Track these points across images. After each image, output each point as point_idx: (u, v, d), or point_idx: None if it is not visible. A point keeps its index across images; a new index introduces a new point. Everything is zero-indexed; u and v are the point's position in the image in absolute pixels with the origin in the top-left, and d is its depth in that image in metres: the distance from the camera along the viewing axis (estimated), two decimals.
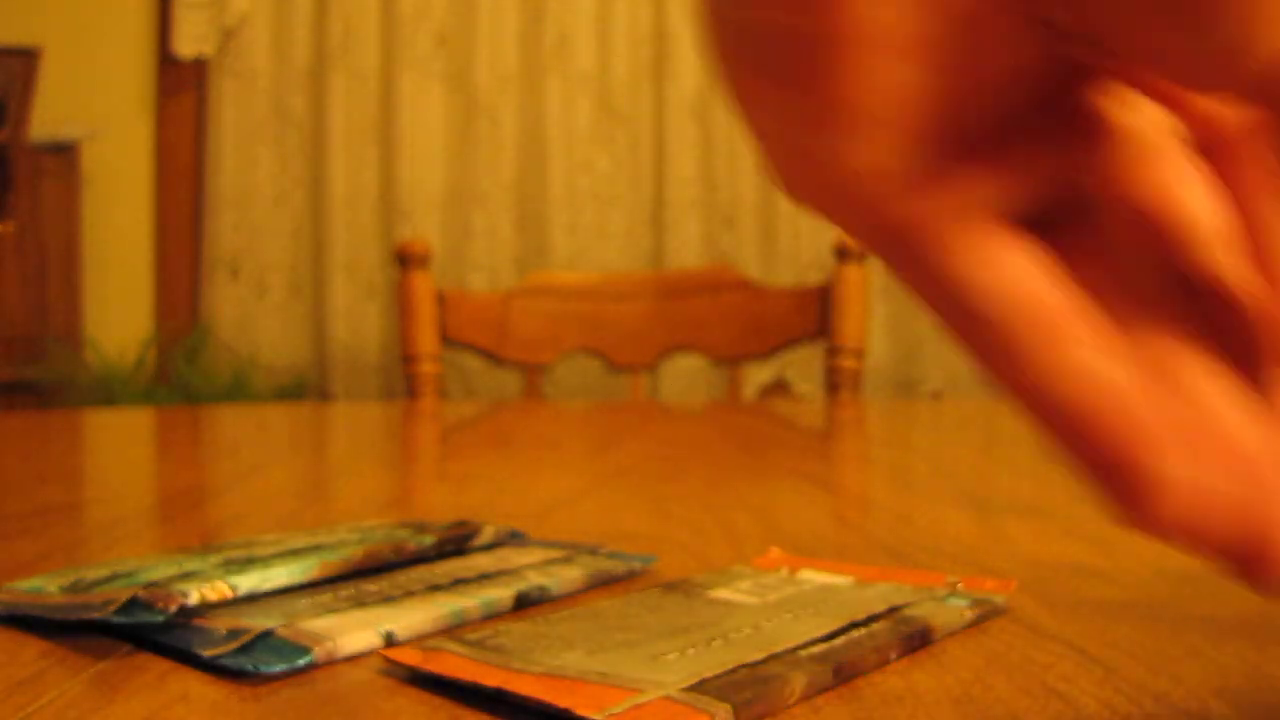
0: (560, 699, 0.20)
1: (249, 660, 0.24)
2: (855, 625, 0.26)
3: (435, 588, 0.30)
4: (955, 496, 0.51)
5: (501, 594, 0.29)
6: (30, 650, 0.26)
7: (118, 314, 2.28)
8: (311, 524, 0.44)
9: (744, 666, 0.22)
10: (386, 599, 0.28)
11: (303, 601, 0.28)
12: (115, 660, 0.25)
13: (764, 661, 0.23)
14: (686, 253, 2.23)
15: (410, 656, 0.23)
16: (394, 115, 2.19)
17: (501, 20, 2.23)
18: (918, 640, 0.26)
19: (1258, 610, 0.30)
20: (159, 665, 0.24)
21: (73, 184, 2.14)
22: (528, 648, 0.24)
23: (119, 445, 0.85)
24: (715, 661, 0.22)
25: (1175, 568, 0.35)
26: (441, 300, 1.38)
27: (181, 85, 2.25)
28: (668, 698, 0.20)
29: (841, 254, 1.35)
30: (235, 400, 2.09)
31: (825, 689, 0.23)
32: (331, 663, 0.25)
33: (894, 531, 0.42)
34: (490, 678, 0.22)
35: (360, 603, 0.28)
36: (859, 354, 1.33)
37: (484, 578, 0.31)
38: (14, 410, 1.80)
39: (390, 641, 0.26)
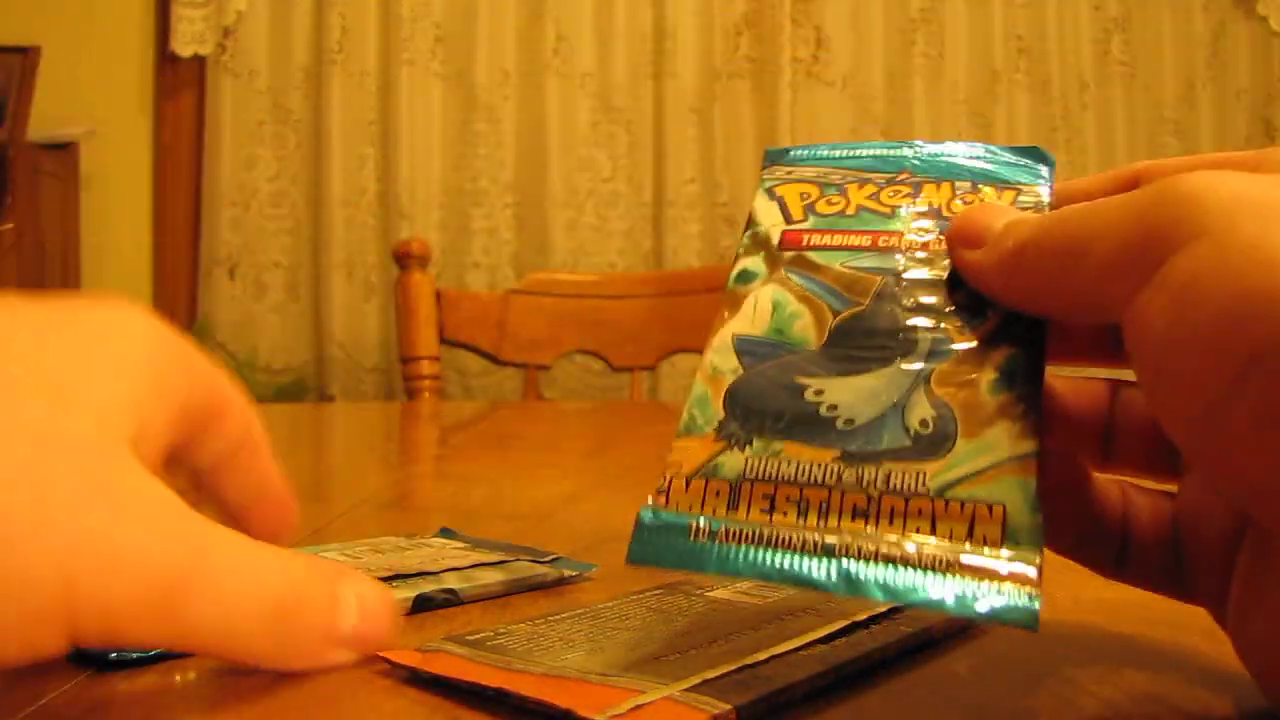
0: (561, 699, 0.20)
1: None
2: (856, 626, 0.26)
3: None
4: None
5: (401, 595, 0.29)
6: None
7: None
8: (311, 524, 0.44)
9: (746, 668, 0.22)
10: None
11: None
12: (115, 662, 0.25)
13: (765, 662, 0.23)
14: (686, 253, 2.23)
15: (410, 657, 0.23)
16: (393, 114, 2.19)
17: (501, 19, 2.23)
18: (918, 640, 0.26)
19: None
20: (160, 665, 0.24)
21: (71, 183, 2.13)
22: (528, 648, 0.24)
23: None
24: (717, 662, 0.22)
25: None
26: (440, 300, 1.38)
27: (180, 84, 2.25)
28: (670, 698, 0.20)
29: None
30: None
31: (827, 689, 0.23)
32: None
33: None
34: (490, 678, 0.22)
35: None
36: None
37: (395, 578, 0.30)
38: None
39: None
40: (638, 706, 0.20)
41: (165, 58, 2.23)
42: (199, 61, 2.22)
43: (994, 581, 0.20)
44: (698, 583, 0.30)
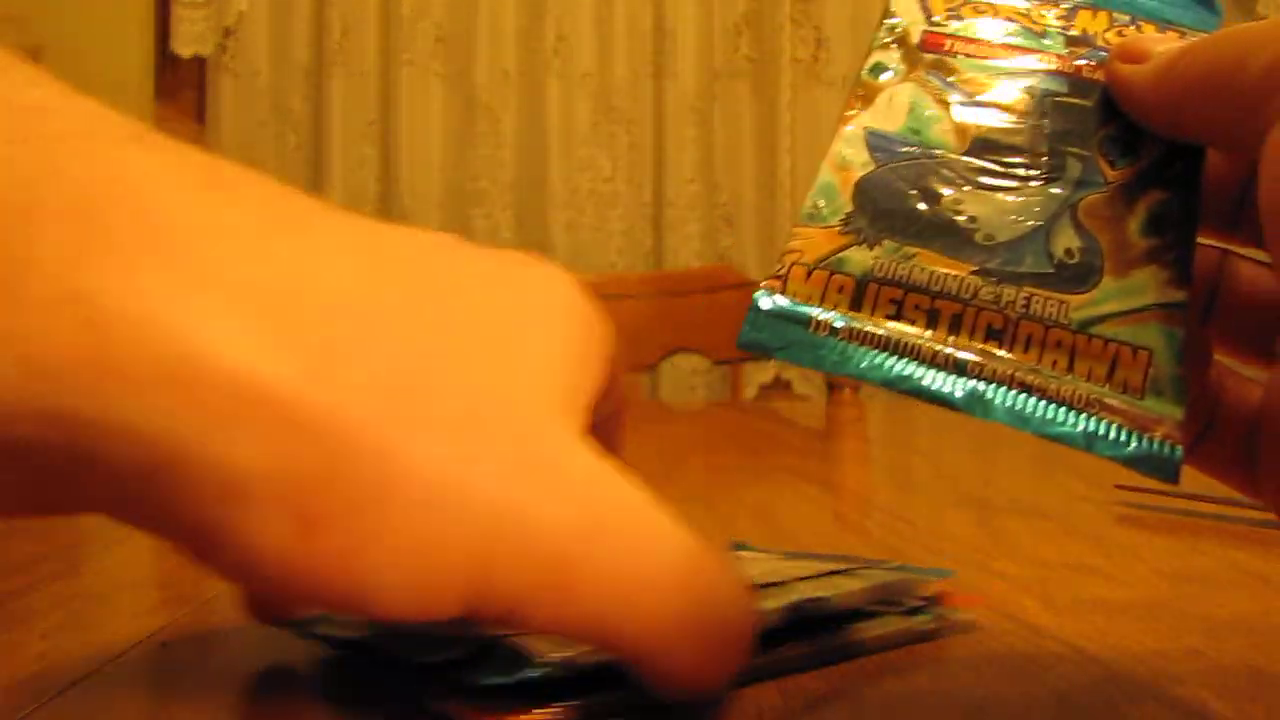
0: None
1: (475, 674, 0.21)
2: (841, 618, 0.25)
3: None
4: (955, 496, 0.51)
5: (770, 606, 0.25)
6: (30, 650, 0.26)
7: None
8: None
9: None
10: None
11: None
12: (116, 663, 0.25)
13: None
14: (686, 253, 2.23)
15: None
16: (393, 114, 2.19)
17: (501, 19, 2.23)
18: (850, 653, 0.25)
19: (1258, 610, 0.30)
20: (157, 668, 0.24)
21: None
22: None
23: None
24: None
25: (1175, 568, 0.35)
26: None
27: (180, 84, 2.25)
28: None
29: None
30: None
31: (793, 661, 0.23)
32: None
33: (894, 531, 0.42)
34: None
35: None
36: None
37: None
38: None
39: None
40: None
41: (165, 58, 2.23)
42: (199, 62, 2.22)
43: (1134, 427, 0.19)
44: None
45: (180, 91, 2.26)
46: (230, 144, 2.20)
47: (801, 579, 0.27)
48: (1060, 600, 0.31)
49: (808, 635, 0.25)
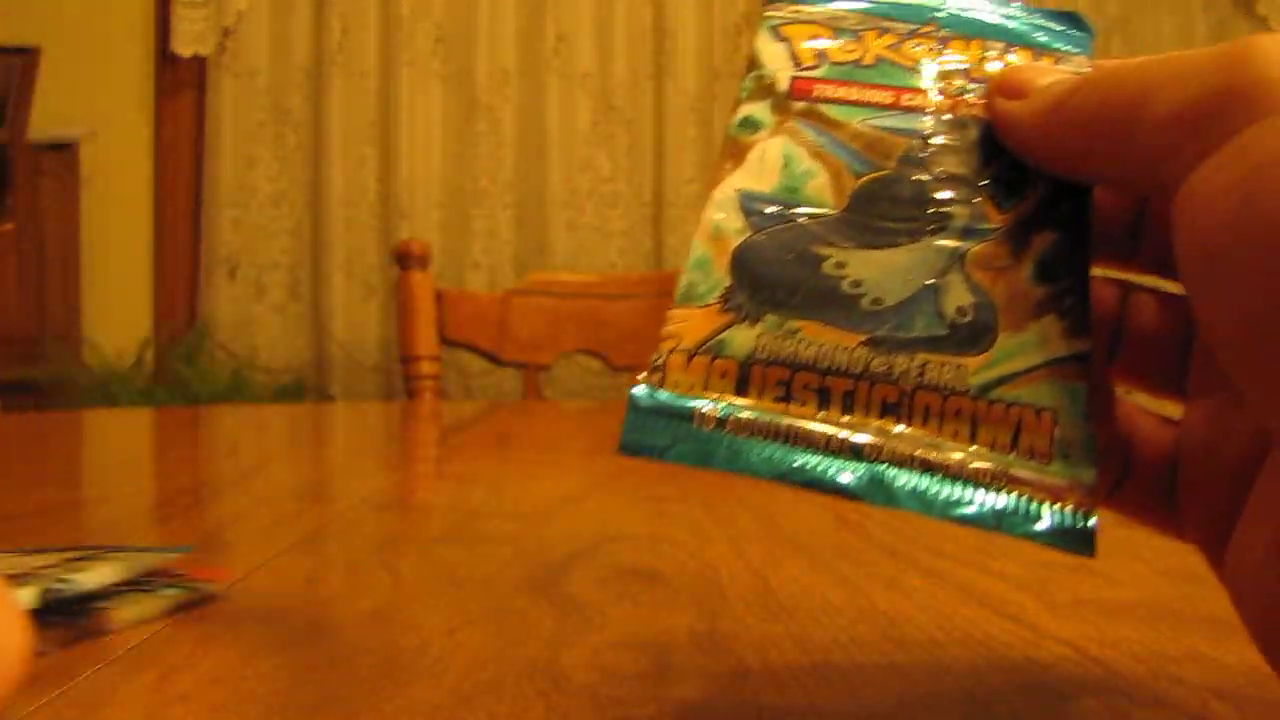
0: None
1: None
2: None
3: None
4: None
5: (22, 595, 0.26)
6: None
7: (116, 314, 2.28)
8: (311, 524, 0.44)
9: None
10: None
11: None
12: (114, 662, 0.25)
13: None
14: (686, 252, 2.23)
15: None
16: (393, 114, 2.19)
17: (501, 19, 2.23)
18: (106, 630, 0.26)
19: None
20: (158, 666, 0.24)
21: (71, 183, 2.13)
22: None
23: (118, 445, 0.85)
24: None
25: (1175, 568, 0.35)
26: (440, 300, 1.38)
27: (180, 84, 2.25)
28: None
29: None
30: (234, 400, 2.09)
31: None
32: None
33: (894, 531, 0.42)
34: None
35: None
36: None
37: None
38: (13, 410, 1.80)
39: None
40: None
41: (165, 58, 2.23)
42: (199, 61, 2.22)
43: (1045, 497, 0.18)
44: None
45: (180, 91, 2.26)
46: (230, 144, 2.20)
47: (47, 567, 0.29)
48: (1060, 600, 0.31)
49: (63, 619, 0.26)
